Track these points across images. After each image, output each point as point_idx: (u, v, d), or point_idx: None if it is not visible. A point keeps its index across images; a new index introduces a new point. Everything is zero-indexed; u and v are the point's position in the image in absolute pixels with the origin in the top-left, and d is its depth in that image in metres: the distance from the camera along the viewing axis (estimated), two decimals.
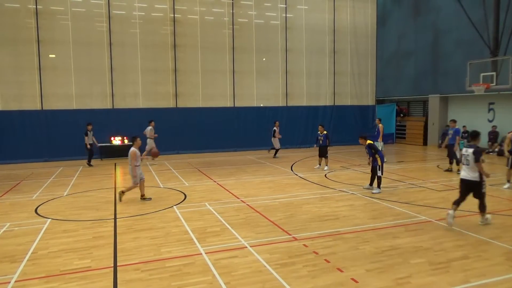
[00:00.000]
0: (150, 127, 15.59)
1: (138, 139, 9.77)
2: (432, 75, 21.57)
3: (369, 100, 23.41)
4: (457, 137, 12.69)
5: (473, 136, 7.30)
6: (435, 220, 7.62)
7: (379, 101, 24.43)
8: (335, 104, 22.52)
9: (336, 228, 7.16)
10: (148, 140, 15.35)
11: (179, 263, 5.64)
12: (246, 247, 6.25)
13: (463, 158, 7.21)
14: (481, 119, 19.50)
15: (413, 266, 5.45)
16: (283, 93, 21.42)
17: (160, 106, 18.90)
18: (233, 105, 20.49)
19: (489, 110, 19.26)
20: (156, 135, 15.64)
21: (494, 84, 14.22)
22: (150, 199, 9.60)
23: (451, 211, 6.99)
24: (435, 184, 11.07)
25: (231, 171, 14.09)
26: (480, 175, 6.93)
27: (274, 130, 17.23)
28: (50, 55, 17.20)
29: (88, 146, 15.34)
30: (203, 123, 19.60)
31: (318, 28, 21.92)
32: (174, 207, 8.88)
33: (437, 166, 14.34)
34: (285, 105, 21.47)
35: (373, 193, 9.98)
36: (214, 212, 8.40)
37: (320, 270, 5.35)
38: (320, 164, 14.16)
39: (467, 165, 7.06)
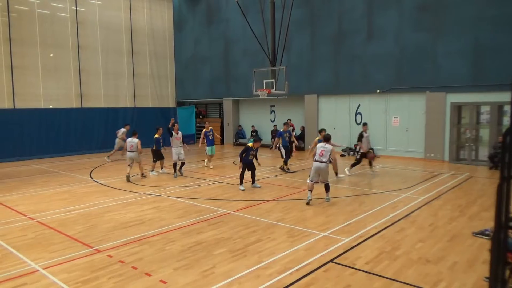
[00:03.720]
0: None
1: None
2: (225, 80, 23.67)
3: (170, 102, 23.83)
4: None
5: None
6: (233, 211, 8.42)
7: (179, 103, 25.19)
8: (136, 106, 21.97)
9: (142, 233, 7.02)
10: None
11: None
12: (38, 270, 5.42)
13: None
14: (266, 119, 22.66)
15: (216, 256, 5.87)
16: (76, 93, 19.46)
17: None
18: (12, 107, 17.36)
19: (271, 111, 22.56)
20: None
21: (274, 89, 16.71)
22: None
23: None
24: (232, 179, 12.21)
25: (13, 184, 11.94)
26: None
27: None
28: None
29: None
30: None
31: (114, 26, 20.87)
32: None
33: (233, 163, 15.84)
34: (80, 106, 19.60)
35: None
36: None
37: (128, 278, 5.14)
38: (153, 170, 13.44)
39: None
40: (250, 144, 10.95)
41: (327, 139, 9.35)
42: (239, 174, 10.92)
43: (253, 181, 11.01)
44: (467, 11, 14.49)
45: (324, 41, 18.73)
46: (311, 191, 8.91)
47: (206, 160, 15.13)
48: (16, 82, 17.35)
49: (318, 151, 8.88)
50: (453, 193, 10.08)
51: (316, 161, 8.87)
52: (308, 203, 8.84)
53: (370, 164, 13.11)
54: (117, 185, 11.49)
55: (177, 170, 12.90)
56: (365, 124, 13.31)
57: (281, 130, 14.07)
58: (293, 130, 14.97)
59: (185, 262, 5.68)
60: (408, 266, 5.46)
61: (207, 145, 14.56)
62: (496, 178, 12.30)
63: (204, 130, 14.74)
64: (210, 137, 14.57)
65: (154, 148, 13.37)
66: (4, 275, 5.26)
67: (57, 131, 18.61)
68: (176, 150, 12.89)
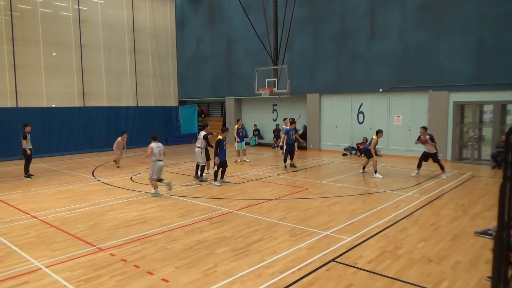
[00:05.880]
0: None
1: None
2: (227, 78, 23.66)
3: (172, 101, 23.87)
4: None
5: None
6: (235, 210, 8.43)
7: (181, 102, 25.21)
8: (138, 104, 22.01)
9: (144, 232, 7.03)
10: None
11: None
12: (41, 268, 5.44)
13: None
14: (268, 118, 22.64)
15: (218, 255, 5.88)
16: (79, 92, 19.52)
17: None
18: (15, 105, 17.42)
19: (273, 110, 22.54)
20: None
21: (276, 88, 16.69)
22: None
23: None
24: (234, 178, 12.21)
25: (16, 182, 11.99)
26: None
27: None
28: None
29: (28, 152, 12.49)
30: None
31: (117, 25, 20.92)
32: None
33: (235, 162, 15.84)
34: (83, 105, 19.65)
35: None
36: None
37: (130, 277, 5.16)
38: (208, 168, 12.74)
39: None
40: (220, 136, 11.13)
41: (154, 138, 10.03)
42: (213, 172, 11.33)
43: (222, 176, 11.39)
44: (470, 10, 14.43)
45: (327, 40, 18.69)
46: (157, 187, 9.90)
47: (243, 157, 15.80)
48: (18, 81, 17.42)
49: (156, 151, 9.71)
50: (456, 193, 10.05)
51: (158, 160, 9.78)
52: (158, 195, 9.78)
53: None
54: (120, 184, 11.51)
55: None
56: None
57: (288, 127, 14.12)
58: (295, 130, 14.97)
59: (187, 260, 5.69)
60: (410, 266, 5.45)
61: (240, 141, 15.31)
62: (499, 178, 12.28)
63: (236, 126, 15.34)
64: (242, 134, 15.37)
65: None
66: (7, 273, 5.29)
67: (59, 130, 18.68)
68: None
